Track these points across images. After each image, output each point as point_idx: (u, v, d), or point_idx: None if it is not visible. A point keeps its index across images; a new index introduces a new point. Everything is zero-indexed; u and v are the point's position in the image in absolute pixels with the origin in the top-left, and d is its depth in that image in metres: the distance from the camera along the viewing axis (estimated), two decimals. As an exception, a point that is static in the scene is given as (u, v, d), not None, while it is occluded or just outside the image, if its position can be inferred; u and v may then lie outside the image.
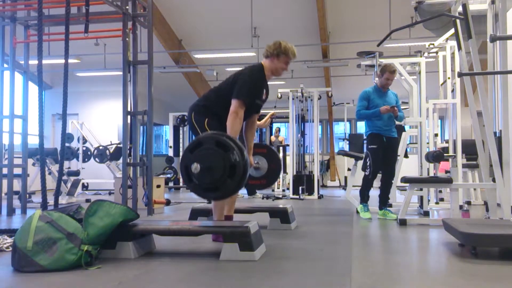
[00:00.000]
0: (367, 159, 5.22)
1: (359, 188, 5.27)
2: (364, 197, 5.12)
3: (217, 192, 2.91)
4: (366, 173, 5.19)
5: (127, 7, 5.52)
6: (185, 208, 6.00)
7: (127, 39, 5.46)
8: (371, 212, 5.16)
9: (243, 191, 9.64)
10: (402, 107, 5.42)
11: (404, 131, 6.10)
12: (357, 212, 5.41)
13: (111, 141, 10.26)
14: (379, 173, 5.22)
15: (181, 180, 11.58)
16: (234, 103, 3.32)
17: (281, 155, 10.24)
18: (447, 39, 6.29)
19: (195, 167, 2.82)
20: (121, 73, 5.48)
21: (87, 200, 7.77)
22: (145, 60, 5.56)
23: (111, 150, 9.66)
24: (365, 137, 8.33)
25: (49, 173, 7.63)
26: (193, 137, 3.31)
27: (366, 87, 5.28)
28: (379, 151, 5.03)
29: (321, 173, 12.89)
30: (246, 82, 3.37)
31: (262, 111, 3.85)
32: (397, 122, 5.31)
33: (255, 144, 3.84)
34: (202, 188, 2.92)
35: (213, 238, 3.48)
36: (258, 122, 5.94)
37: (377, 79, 5.34)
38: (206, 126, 3.43)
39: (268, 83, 3.60)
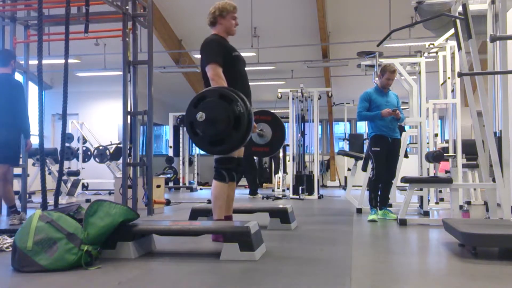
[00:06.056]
0: (370, 161, 5.20)
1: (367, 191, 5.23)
2: (372, 201, 5.02)
3: (223, 145, 2.91)
4: (370, 176, 5.17)
5: (127, 7, 5.51)
6: (185, 208, 6.00)
7: (127, 39, 5.46)
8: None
9: (244, 191, 9.64)
10: (402, 107, 5.42)
11: (404, 131, 6.10)
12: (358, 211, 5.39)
13: (111, 141, 10.26)
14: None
15: (181, 180, 11.59)
16: (208, 69, 3.26)
17: (281, 155, 10.25)
18: (447, 39, 6.29)
19: (201, 115, 2.81)
20: (121, 73, 5.48)
21: (87, 200, 7.77)
22: (145, 60, 5.56)
23: (111, 150, 9.67)
24: (366, 137, 8.31)
25: (49, 173, 7.63)
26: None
27: (366, 87, 5.27)
28: (383, 154, 4.98)
29: (321, 173, 12.88)
30: (208, 48, 3.35)
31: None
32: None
33: (260, 110, 3.81)
34: (208, 141, 2.91)
35: (213, 238, 3.47)
36: None
37: (377, 79, 5.34)
38: None
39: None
